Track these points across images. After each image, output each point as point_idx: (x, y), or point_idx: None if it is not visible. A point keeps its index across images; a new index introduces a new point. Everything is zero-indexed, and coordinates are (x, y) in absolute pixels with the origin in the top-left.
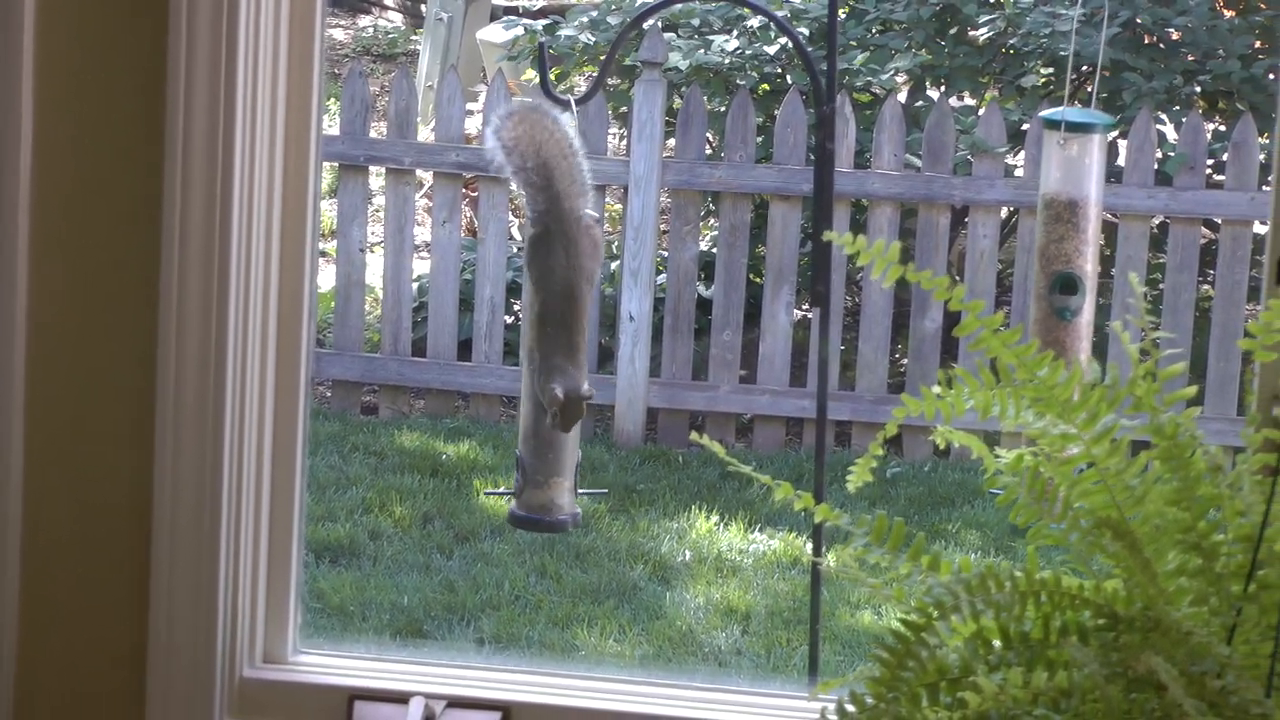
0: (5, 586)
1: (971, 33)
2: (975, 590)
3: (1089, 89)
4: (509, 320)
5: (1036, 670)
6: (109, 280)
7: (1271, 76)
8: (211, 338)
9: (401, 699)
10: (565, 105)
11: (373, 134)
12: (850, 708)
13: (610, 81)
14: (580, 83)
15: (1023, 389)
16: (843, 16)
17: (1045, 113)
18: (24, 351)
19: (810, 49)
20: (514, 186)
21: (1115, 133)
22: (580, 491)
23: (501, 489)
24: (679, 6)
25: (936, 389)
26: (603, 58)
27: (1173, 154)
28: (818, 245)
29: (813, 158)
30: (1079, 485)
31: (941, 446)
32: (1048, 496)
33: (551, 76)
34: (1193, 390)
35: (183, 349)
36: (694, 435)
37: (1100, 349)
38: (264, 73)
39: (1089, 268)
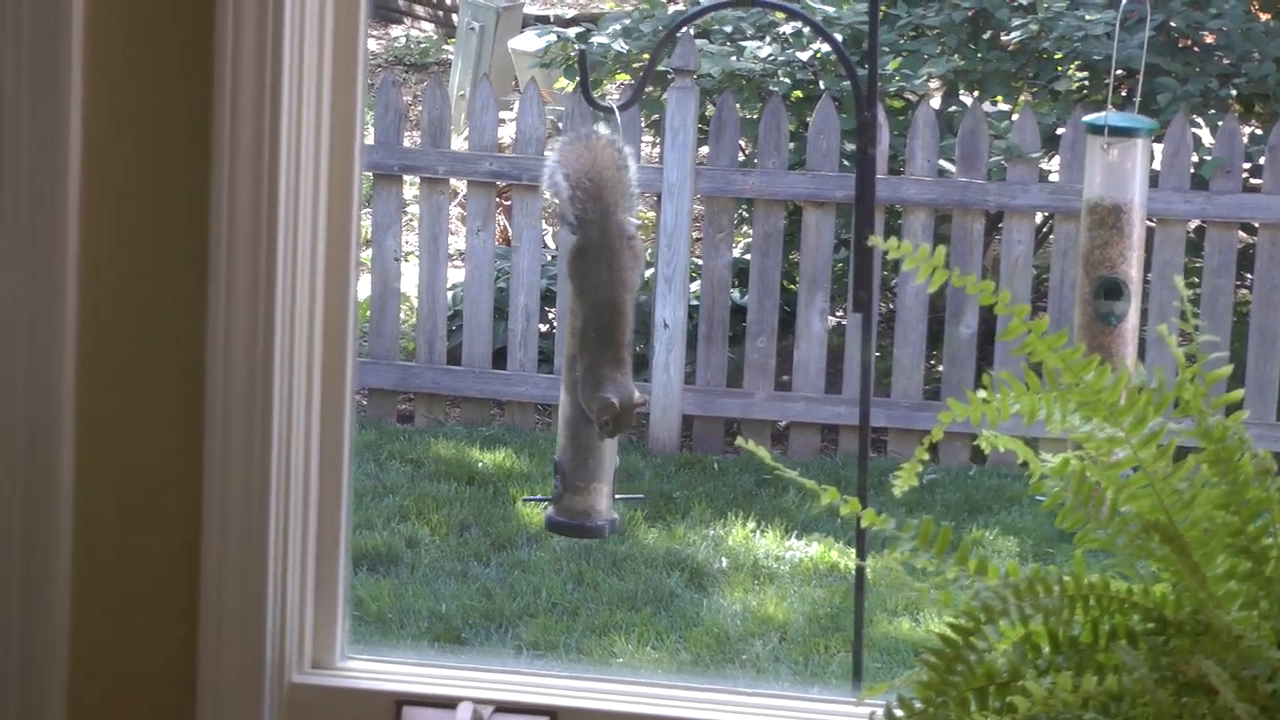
0: (56, 597)
1: (1004, 37)
2: (1023, 594)
3: (1123, 93)
4: (543, 328)
5: (1086, 674)
6: (157, 291)
7: None
8: (258, 345)
9: (449, 704)
10: (607, 111)
11: (406, 143)
12: (899, 712)
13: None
14: (612, 90)
15: (1069, 393)
16: None
17: (1088, 117)
18: (74, 365)
19: None
20: (555, 198)
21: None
22: (618, 497)
23: (540, 495)
24: (712, 14)
25: (981, 393)
26: (635, 65)
27: (1209, 158)
28: (860, 250)
29: (846, 164)
30: (1126, 489)
31: (986, 451)
32: (1094, 501)
33: None
34: (1240, 394)
35: (230, 356)
36: (739, 440)
37: (1140, 354)
38: (309, 84)
39: (1134, 273)
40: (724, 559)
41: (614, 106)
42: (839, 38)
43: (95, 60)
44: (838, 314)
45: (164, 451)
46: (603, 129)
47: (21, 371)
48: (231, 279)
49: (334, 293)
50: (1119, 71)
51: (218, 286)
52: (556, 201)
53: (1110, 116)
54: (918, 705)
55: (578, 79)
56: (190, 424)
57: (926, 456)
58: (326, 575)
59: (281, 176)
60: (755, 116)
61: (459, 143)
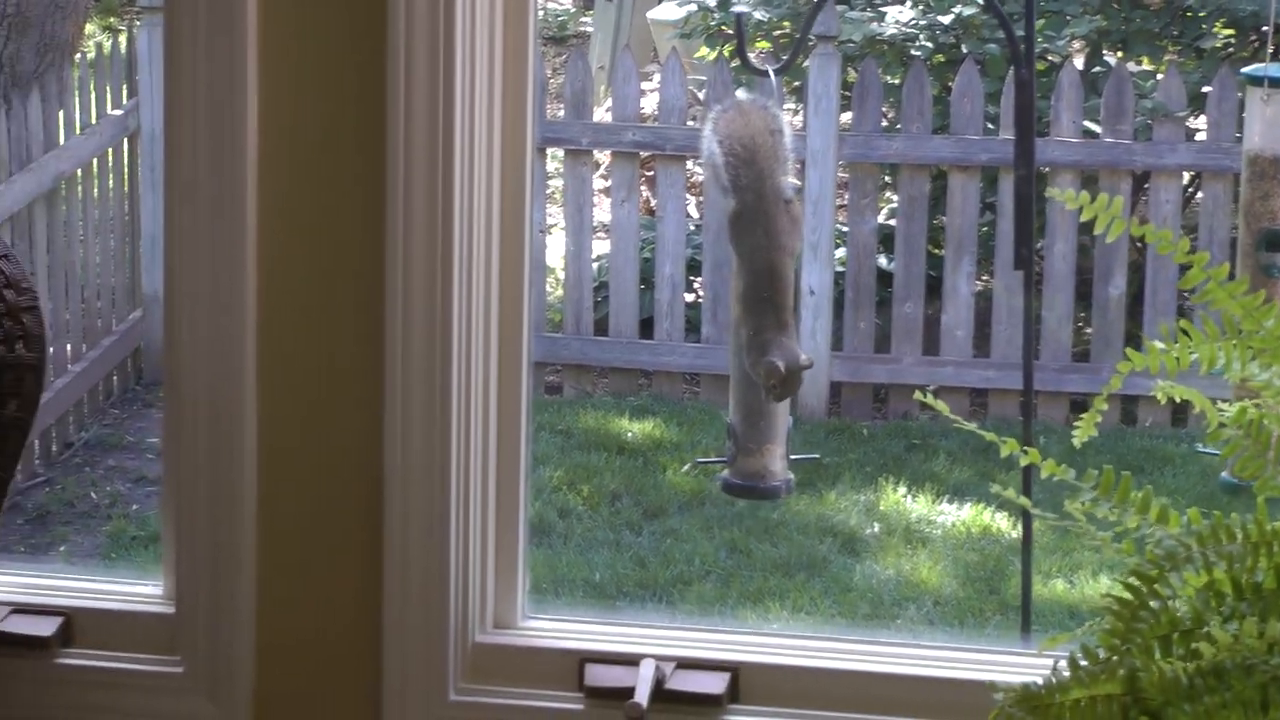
0: (243, 559)
1: None
2: (1206, 541)
3: (1270, 49)
4: (689, 298)
5: (1271, 620)
6: (334, 266)
7: None
8: (437, 312)
9: (632, 661)
10: (763, 74)
11: (547, 116)
12: (1083, 661)
13: (782, 57)
14: (751, 59)
15: (1248, 340)
16: None
17: (1247, 69)
18: (254, 339)
19: (984, 17)
20: (708, 169)
21: None
22: (792, 457)
23: (713, 457)
24: None
25: (1159, 343)
26: (775, 33)
27: None
28: (1020, 207)
29: (989, 127)
30: None
31: (1162, 402)
32: (1274, 448)
33: (726, 53)
34: None
35: (409, 325)
36: (917, 395)
37: None
38: (480, 55)
39: None
40: (876, 524)
41: (770, 70)
42: (980, 2)
43: (268, 47)
44: (984, 278)
45: (345, 422)
46: (743, 94)
47: (204, 354)
48: (409, 251)
49: (510, 261)
50: (1263, 28)
51: (394, 259)
52: (712, 170)
53: (1270, 68)
54: (1101, 654)
55: (719, 48)
56: (370, 394)
57: (1105, 406)
58: (507, 536)
59: (456, 151)
60: (897, 81)
61: (599, 114)
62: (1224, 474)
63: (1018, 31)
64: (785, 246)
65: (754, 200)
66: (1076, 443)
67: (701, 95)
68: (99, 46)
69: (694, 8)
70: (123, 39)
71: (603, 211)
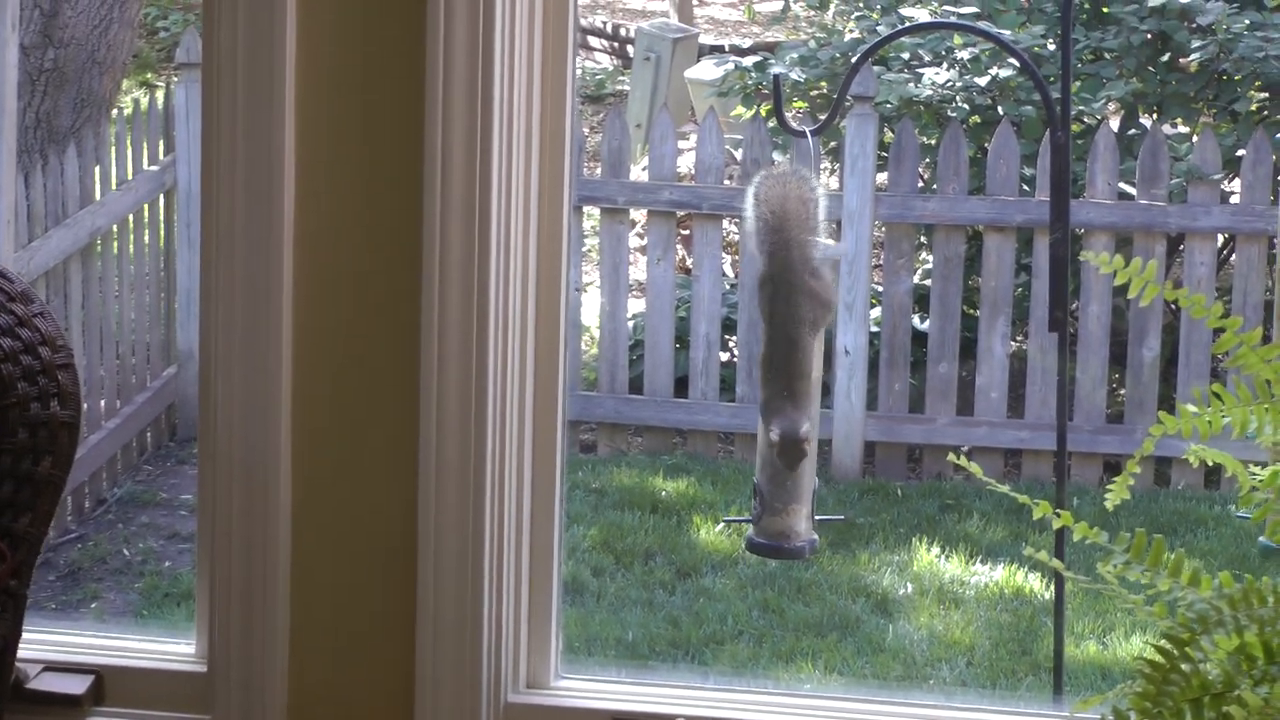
0: (276, 618)
1: (1183, 59)
2: (1238, 605)
3: None
4: (724, 357)
5: None
6: (371, 322)
7: None
8: (472, 371)
9: None
10: (800, 135)
11: (584, 174)
12: None
13: (819, 116)
14: (789, 119)
15: None
16: (1052, 47)
17: None
18: (288, 396)
19: (1020, 80)
20: (741, 229)
21: None
22: (818, 518)
23: (740, 516)
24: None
25: (1191, 407)
26: (812, 93)
27: None
28: (1055, 270)
29: (1025, 189)
30: None
31: (1195, 465)
32: None
33: (763, 112)
34: None
35: (444, 383)
36: (951, 457)
37: None
38: (519, 114)
39: None
40: (909, 584)
41: (807, 130)
42: (1014, 64)
43: (305, 99)
44: (1018, 339)
45: (378, 480)
46: (782, 160)
47: (238, 411)
48: (444, 308)
49: (546, 319)
50: None
51: (430, 317)
52: (746, 234)
53: None
54: (1133, 717)
55: (756, 107)
56: (404, 451)
57: (1138, 470)
58: (540, 596)
59: (493, 209)
60: (934, 142)
61: (636, 173)
62: (1262, 538)
63: (1054, 94)
64: (805, 318)
65: (780, 269)
66: (1109, 506)
67: (738, 154)
68: (136, 102)
69: (731, 67)
70: (160, 95)
71: (639, 270)
